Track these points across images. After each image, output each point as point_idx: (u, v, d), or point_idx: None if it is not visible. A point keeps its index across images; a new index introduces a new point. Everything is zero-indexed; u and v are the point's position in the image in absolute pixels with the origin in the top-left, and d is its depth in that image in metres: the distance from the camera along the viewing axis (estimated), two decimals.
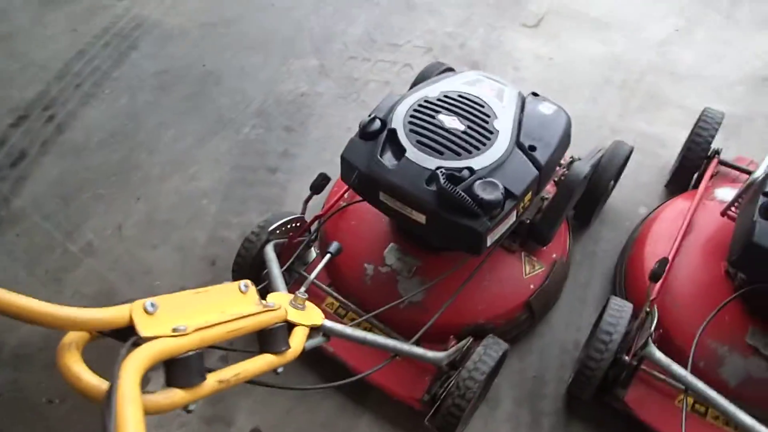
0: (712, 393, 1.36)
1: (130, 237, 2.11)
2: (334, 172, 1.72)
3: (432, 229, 1.44)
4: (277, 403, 1.73)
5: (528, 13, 2.94)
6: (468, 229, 1.36)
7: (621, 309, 1.55)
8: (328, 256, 1.57)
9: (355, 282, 1.76)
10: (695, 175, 2.02)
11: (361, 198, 1.61)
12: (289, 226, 1.75)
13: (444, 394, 1.49)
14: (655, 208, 2.01)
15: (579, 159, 1.89)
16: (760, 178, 1.53)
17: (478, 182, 1.35)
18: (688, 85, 2.60)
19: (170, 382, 0.85)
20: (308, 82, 2.64)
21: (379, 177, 1.43)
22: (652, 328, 1.47)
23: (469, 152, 1.42)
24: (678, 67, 2.65)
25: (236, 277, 1.72)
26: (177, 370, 0.85)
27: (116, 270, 2.03)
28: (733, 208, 1.69)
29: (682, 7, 2.95)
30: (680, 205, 1.91)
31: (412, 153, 1.42)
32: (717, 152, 1.98)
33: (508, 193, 1.38)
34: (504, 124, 1.50)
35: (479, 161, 1.41)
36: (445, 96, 1.55)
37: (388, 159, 1.44)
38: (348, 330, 1.43)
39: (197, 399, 0.88)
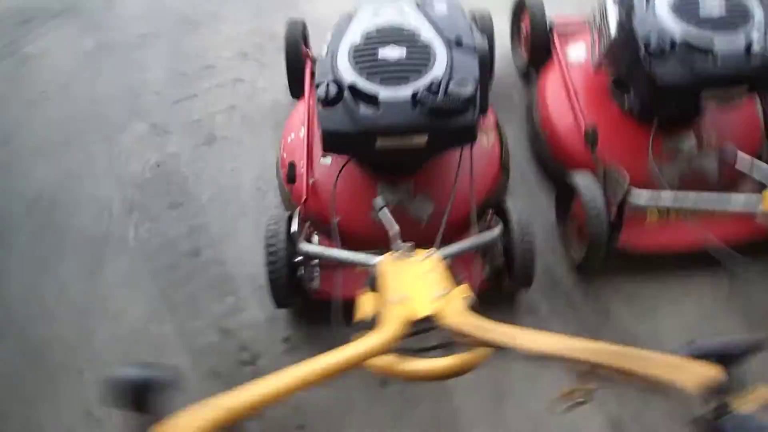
0: None
1: (107, 418, 1.79)
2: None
3: (433, 142, 1.60)
4: None
5: None
6: (464, 125, 1.57)
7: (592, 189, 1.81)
8: (384, 210, 1.63)
9: (375, 233, 1.78)
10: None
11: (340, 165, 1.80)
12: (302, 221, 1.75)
13: (509, 257, 1.73)
14: (535, 88, 2.29)
15: None
16: (612, 31, 1.88)
17: (451, 84, 1.53)
18: None
19: None
20: (153, 149, 2.36)
21: (374, 126, 1.54)
22: (626, 181, 1.78)
23: (425, 66, 1.59)
24: None
25: (278, 295, 1.70)
26: None
27: None
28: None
29: None
30: (553, 77, 2.23)
31: (385, 92, 1.55)
32: (552, 25, 2.32)
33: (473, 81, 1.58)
34: (427, 34, 1.68)
35: (436, 70, 1.59)
36: (368, 36, 1.67)
37: (367, 108, 1.54)
38: (454, 247, 1.66)
39: None
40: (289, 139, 2.09)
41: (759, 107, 2.09)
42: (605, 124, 2.04)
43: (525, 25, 2.44)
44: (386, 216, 1.60)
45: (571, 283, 2.01)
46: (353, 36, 1.68)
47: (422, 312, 1.07)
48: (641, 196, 1.76)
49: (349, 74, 1.58)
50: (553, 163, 2.17)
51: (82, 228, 2.17)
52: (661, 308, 1.95)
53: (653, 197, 1.76)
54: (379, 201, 1.64)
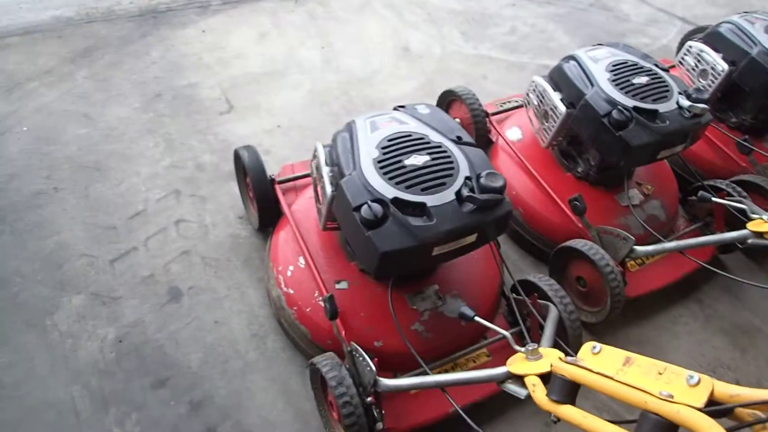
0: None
1: None
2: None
3: (480, 239, 1.62)
4: None
5: (210, 103, 2.80)
6: (505, 214, 1.59)
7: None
8: (475, 317, 1.62)
9: (422, 346, 1.76)
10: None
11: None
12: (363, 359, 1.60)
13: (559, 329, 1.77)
14: None
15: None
16: (563, 111, 2.13)
17: (482, 179, 1.57)
18: (377, 82, 3.05)
19: None
20: (105, 323, 1.95)
21: (432, 236, 1.49)
22: (631, 238, 1.99)
23: (452, 168, 1.61)
24: (356, 72, 3.07)
25: None
26: None
27: None
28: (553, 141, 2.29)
29: (310, 31, 3.31)
30: (503, 158, 2.43)
31: (431, 200, 1.53)
32: (487, 113, 2.54)
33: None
34: (435, 137, 1.70)
35: (463, 170, 1.62)
36: (385, 148, 1.64)
37: (417, 220, 1.50)
38: (547, 336, 1.66)
39: None
40: (288, 273, 1.93)
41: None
42: (568, 191, 2.27)
43: (455, 116, 2.64)
44: (482, 321, 1.58)
45: None
46: (367, 150, 1.63)
47: (699, 402, 1.03)
48: (647, 249, 1.98)
49: (387, 189, 1.53)
50: (533, 238, 2.32)
51: None
52: (666, 345, 2.16)
53: (657, 248, 1.99)
54: (467, 311, 1.59)
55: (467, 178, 1.59)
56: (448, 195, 1.55)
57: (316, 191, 1.85)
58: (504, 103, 2.70)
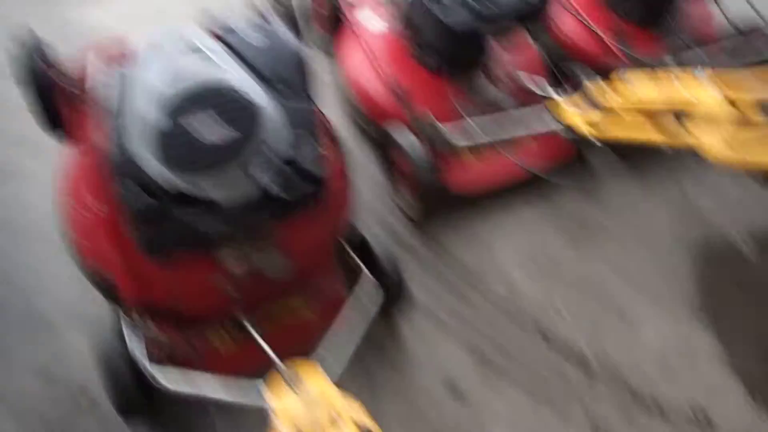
0: None
1: None
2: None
3: None
4: None
5: None
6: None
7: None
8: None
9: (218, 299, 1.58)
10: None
11: None
12: None
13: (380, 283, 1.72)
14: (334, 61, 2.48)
15: None
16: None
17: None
18: None
19: None
20: None
21: (209, 235, 1.32)
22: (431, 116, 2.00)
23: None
24: None
25: None
26: None
27: None
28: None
29: None
30: (350, 44, 2.42)
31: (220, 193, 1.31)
32: None
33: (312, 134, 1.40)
34: (253, 91, 1.35)
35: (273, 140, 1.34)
36: (178, 108, 1.27)
37: (203, 215, 1.29)
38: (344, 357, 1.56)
39: None
40: (71, 209, 1.53)
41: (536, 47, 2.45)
42: (413, 81, 2.20)
43: (316, 4, 2.62)
44: None
45: (419, 243, 2.17)
46: (147, 105, 1.29)
47: None
48: (446, 129, 2.00)
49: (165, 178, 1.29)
50: (367, 122, 2.32)
51: None
52: (489, 234, 2.22)
53: (454, 128, 2.02)
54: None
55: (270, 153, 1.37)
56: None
57: None
58: None
